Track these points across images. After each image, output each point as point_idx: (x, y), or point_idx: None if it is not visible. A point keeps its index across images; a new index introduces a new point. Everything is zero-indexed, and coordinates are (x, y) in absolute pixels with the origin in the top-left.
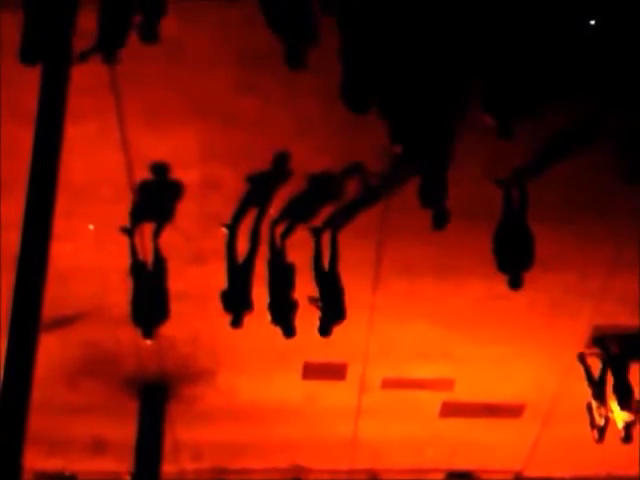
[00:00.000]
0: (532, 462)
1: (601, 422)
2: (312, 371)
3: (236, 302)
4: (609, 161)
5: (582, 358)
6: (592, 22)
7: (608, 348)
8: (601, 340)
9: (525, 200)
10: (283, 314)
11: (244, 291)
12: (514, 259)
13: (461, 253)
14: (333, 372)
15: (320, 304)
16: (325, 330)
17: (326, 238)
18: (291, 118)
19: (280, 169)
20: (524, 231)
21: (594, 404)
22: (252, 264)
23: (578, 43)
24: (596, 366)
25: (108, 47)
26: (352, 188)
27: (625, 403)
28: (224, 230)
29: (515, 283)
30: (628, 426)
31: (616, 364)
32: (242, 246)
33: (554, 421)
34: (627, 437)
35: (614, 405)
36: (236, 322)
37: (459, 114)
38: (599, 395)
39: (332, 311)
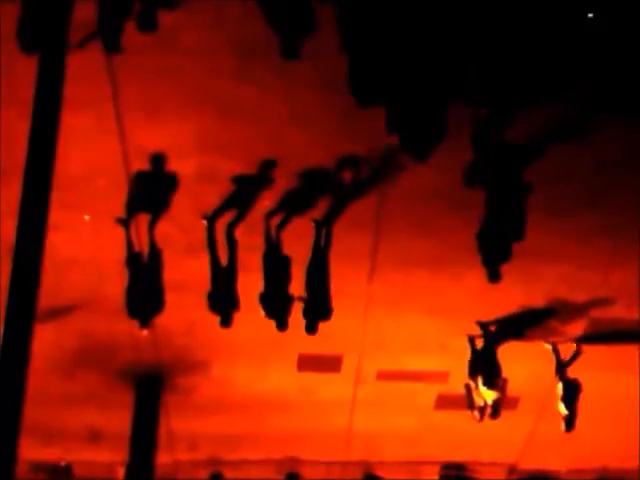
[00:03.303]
0: (527, 455)
1: (480, 402)
2: (307, 363)
3: (223, 302)
4: (607, 154)
5: (472, 340)
6: (590, 15)
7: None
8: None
9: (504, 192)
10: (278, 307)
11: (230, 290)
12: (491, 252)
13: (457, 245)
14: (328, 364)
15: (305, 300)
16: (311, 328)
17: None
18: (288, 108)
19: (266, 172)
20: (501, 225)
21: (472, 385)
22: (235, 262)
23: (576, 35)
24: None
25: (111, 36)
26: (348, 178)
27: (491, 382)
28: (204, 222)
29: (493, 276)
30: (495, 404)
31: (486, 345)
32: (238, 238)
33: (549, 414)
34: (494, 413)
35: (480, 384)
36: (225, 322)
37: (456, 105)
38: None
39: (317, 308)
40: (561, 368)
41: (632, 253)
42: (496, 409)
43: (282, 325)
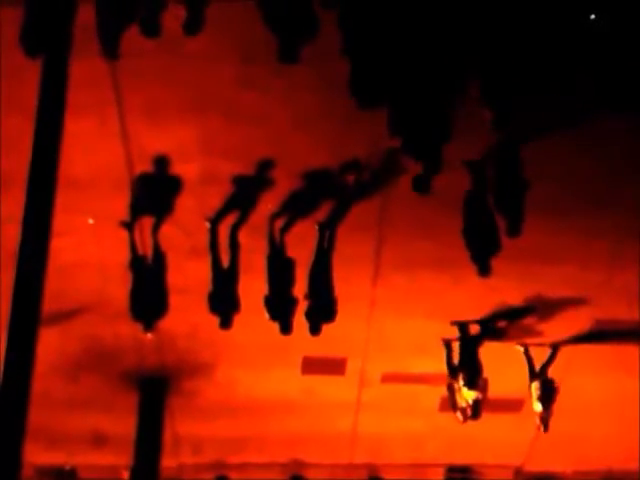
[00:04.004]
0: (532, 457)
1: (463, 403)
2: (311, 365)
3: (223, 303)
4: (610, 153)
5: (447, 343)
6: (592, 16)
7: (465, 331)
8: (460, 325)
9: (488, 185)
10: (281, 310)
11: (231, 292)
12: (480, 246)
13: (460, 246)
14: (332, 367)
15: (310, 302)
16: (315, 329)
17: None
18: (290, 112)
19: (268, 175)
20: (488, 217)
21: (455, 386)
22: (238, 264)
23: (577, 36)
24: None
25: (110, 42)
26: (351, 181)
27: (472, 382)
28: (207, 224)
29: (483, 271)
30: (476, 404)
31: (467, 346)
32: (242, 241)
33: (554, 416)
34: (475, 413)
35: (462, 384)
36: (225, 324)
37: (458, 106)
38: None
39: (322, 309)
40: (533, 369)
41: (635, 253)
42: (476, 409)
43: (286, 329)
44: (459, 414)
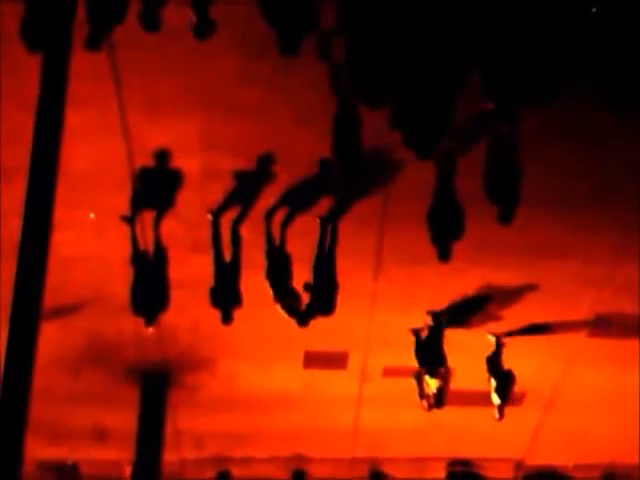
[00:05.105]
0: (534, 450)
1: (429, 392)
2: (313, 360)
3: (224, 298)
4: (612, 148)
5: (417, 333)
6: (593, 9)
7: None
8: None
9: (452, 173)
10: (290, 305)
11: (233, 286)
12: (442, 231)
13: (461, 241)
14: (334, 361)
15: (310, 294)
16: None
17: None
18: (292, 107)
19: (270, 170)
20: (454, 204)
21: (422, 375)
22: (239, 258)
23: (579, 27)
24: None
25: (94, 31)
26: (353, 176)
27: (434, 371)
28: (209, 217)
29: (443, 255)
30: (439, 392)
31: (431, 335)
32: (243, 235)
33: (556, 409)
34: (438, 402)
35: (425, 373)
36: (226, 318)
37: (460, 100)
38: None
39: (321, 303)
40: (494, 360)
41: (637, 248)
42: (439, 398)
43: (303, 321)
44: (424, 402)
